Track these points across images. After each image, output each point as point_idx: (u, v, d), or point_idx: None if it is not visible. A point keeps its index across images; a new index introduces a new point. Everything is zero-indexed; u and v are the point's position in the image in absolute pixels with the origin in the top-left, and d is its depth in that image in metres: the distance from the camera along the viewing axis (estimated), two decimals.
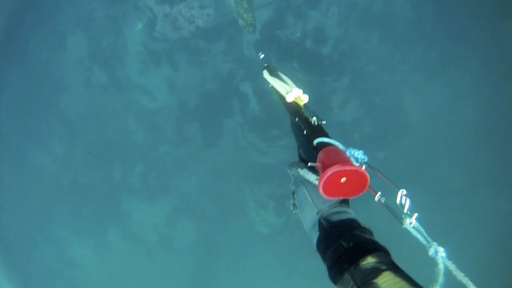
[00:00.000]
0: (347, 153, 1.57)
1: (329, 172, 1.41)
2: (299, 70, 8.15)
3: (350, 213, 1.71)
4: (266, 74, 2.61)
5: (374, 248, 1.36)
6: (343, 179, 1.45)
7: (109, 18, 8.15)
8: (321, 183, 1.45)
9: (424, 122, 9.58)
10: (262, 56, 3.54)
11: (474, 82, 9.07)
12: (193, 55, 8.45)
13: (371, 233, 1.55)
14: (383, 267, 1.22)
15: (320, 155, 1.61)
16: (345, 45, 8.40)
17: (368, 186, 1.49)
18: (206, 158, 9.91)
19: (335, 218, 1.65)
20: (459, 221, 10.32)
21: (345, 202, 1.77)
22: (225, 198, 10.66)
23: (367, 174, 1.46)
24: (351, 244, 1.40)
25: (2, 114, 9.33)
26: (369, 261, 1.27)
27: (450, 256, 1.17)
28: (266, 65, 2.78)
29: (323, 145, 1.69)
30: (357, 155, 1.55)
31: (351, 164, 1.46)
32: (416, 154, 9.84)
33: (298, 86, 2.34)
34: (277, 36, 7.82)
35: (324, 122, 1.98)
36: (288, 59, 8.09)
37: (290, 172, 2.10)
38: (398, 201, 1.31)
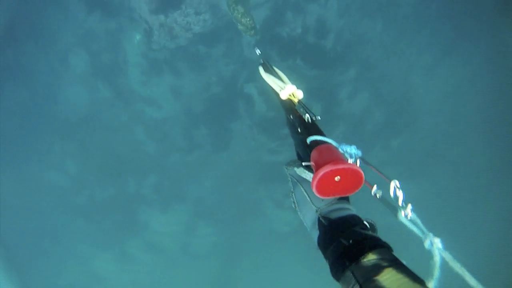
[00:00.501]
0: (340, 150, 1.54)
1: (321, 172, 1.40)
2: (303, 66, 7.95)
3: (350, 209, 1.68)
4: (261, 71, 2.57)
5: (375, 244, 1.33)
6: (337, 178, 1.43)
7: (107, 32, 8.09)
8: (314, 184, 1.43)
9: (438, 104, 9.26)
10: (258, 52, 3.48)
11: (488, 57, 8.68)
12: (194, 61, 8.34)
13: (373, 228, 1.52)
14: (385, 264, 1.19)
15: (313, 154, 1.58)
16: (348, 35, 8.13)
17: (363, 182, 1.46)
18: (218, 162, 9.86)
19: (335, 215, 1.63)
20: (480, 203, 10.01)
21: (344, 197, 1.73)
22: (241, 200, 10.62)
23: (361, 171, 1.42)
24: (351, 241, 1.38)
25: (13, 139, 9.48)
26: (370, 258, 1.24)
27: (455, 246, 1.17)
28: (262, 61, 2.72)
29: (316, 143, 1.66)
30: (350, 151, 1.52)
31: (344, 162, 1.43)
32: (433, 137, 9.55)
33: (294, 82, 2.25)
34: (277, 34, 7.61)
35: (319, 118, 1.96)
36: (291, 56, 7.89)
37: (287, 171, 2.07)
38: (391, 193, 1.29)
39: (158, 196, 10.04)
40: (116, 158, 9.65)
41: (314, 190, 1.46)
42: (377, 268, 1.18)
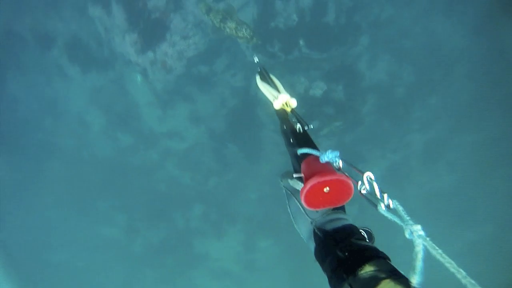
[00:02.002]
0: (321, 160, 1.48)
1: (308, 185, 1.39)
2: (311, 53, 7.36)
3: (346, 219, 1.63)
4: (258, 80, 2.56)
5: (372, 255, 1.28)
6: (326, 189, 1.41)
7: (110, 83, 8.10)
8: (302, 197, 1.42)
9: (468, 45, 8.23)
10: (256, 60, 3.39)
11: None
12: (201, 82, 8.08)
13: (371, 236, 1.52)
14: (382, 275, 1.15)
15: (303, 166, 1.58)
16: (348, 2, 7.43)
17: (353, 191, 1.41)
18: (256, 173, 9.54)
19: (329, 226, 1.58)
20: None
21: (340, 207, 1.68)
22: None
23: (348, 180, 1.37)
24: (347, 253, 1.35)
25: (61, 206, 9.90)
26: (367, 269, 1.21)
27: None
28: (259, 69, 2.68)
29: (304, 155, 1.65)
30: (329, 157, 1.46)
31: (331, 174, 1.41)
32: (472, 83, 8.51)
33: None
34: (273, 28, 7.10)
35: (312, 126, 1.97)
36: (295, 46, 7.33)
37: (282, 183, 2.05)
38: (366, 185, 1.25)
39: (209, 224, 9.94)
40: (157, 198, 9.69)
41: (303, 203, 1.44)
42: (374, 280, 1.14)
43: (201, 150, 9.22)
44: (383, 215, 1.15)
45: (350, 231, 1.50)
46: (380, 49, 8.11)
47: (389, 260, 1.29)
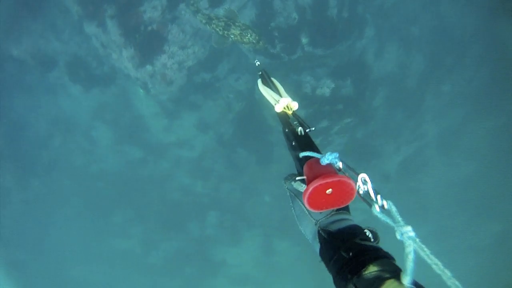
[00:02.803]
0: (322, 162, 1.51)
1: (310, 187, 1.42)
2: (315, 50, 7.09)
3: (350, 219, 1.66)
4: (259, 83, 2.58)
5: (376, 256, 1.30)
6: (328, 191, 1.44)
7: (114, 98, 8.03)
8: (305, 200, 1.45)
9: (484, 23, 7.82)
10: (258, 63, 3.41)
11: None
12: (204, 89, 7.93)
13: (375, 236, 1.47)
14: (387, 275, 1.16)
15: (305, 168, 1.60)
16: None
17: (355, 192, 1.42)
18: (269, 175, 9.39)
19: (334, 227, 1.61)
20: None
21: (344, 208, 1.71)
22: None
23: (350, 181, 1.38)
24: (351, 254, 1.36)
25: (78, 221, 9.98)
26: (372, 270, 1.22)
27: None
28: (260, 73, 2.69)
29: (306, 157, 1.67)
30: (329, 159, 1.48)
31: (333, 175, 1.43)
32: (489, 64, 8.12)
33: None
34: (274, 28, 6.87)
35: (313, 129, 2.01)
36: (298, 45, 7.09)
37: (285, 185, 2.07)
38: (361, 186, 1.30)
39: (225, 231, 9.86)
40: (171, 208, 9.65)
41: (306, 205, 1.47)
42: (378, 280, 1.16)
43: (211, 157, 9.11)
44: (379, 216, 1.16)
45: (354, 232, 1.52)
46: (387, 39, 7.82)
47: (394, 260, 1.30)
